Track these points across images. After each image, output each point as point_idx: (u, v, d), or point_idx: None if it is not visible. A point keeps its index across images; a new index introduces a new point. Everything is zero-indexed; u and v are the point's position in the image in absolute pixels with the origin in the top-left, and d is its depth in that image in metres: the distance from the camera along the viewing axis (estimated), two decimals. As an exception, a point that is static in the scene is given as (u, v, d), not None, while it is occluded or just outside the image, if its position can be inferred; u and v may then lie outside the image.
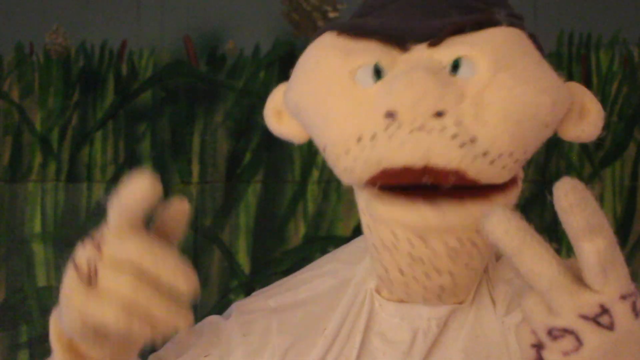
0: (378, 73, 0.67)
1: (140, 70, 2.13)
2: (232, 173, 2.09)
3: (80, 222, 2.11)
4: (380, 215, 0.68)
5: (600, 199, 2.12)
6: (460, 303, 0.76)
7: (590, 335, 0.55)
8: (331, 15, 2.06)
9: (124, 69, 2.13)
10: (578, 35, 2.13)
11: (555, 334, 0.56)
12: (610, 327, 0.55)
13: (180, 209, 0.67)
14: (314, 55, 0.71)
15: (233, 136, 2.11)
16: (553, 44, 2.13)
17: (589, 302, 0.55)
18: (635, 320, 0.56)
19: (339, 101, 0.67)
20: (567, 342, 0.55)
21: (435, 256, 0.68)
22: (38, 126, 2.12)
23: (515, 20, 0.73)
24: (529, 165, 2.16)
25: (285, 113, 0.76)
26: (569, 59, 2.14)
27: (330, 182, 2.01)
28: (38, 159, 2.12)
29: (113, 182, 2.11)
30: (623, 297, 0.56)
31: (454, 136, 0.62)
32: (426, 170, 0.63)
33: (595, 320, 0.55)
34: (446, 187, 0.64)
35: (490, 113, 0.64)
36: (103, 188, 2.11)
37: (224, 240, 2.08)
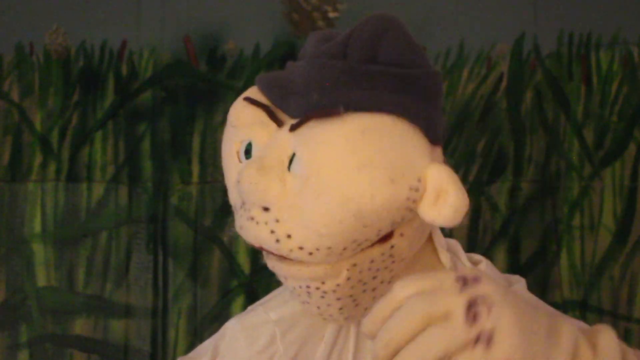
0: (249, 152, 0.78)
1: (140, 70, 2.13)
2: (232, 173, 2.09)
3: (80, 222, 2.11)
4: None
5: (600, 199, 2.12)
6: None
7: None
8: (331, 15, 2.06)
9: (124, 69, 2.13)
10: (578, 35, 2.13)
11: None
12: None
13: None
14: (232, 108, 0.82)
15: (233, 136, 2.11)
16: (553, 44, 2.13)
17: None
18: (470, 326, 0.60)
19: (228, 172, 0.81)
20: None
21: (297, 292, 0.79)
22: (38, 126, 2.12)
23: (381, 93, 0.74)
24: (528, 165, 2.17)
25: None
26: (569, 59, 2.14)
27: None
28: (38, 159, 2.12)
29: (113, 182, 2.11)
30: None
31: (272, 232, 0.73)
32: (262, 248, 0.76)
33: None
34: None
35: (303, 213, 0.72)
36: (103, 188, 2.11)
37: (224, 240, 2.08)
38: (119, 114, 2.12)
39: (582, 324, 0.82)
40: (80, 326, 2.07)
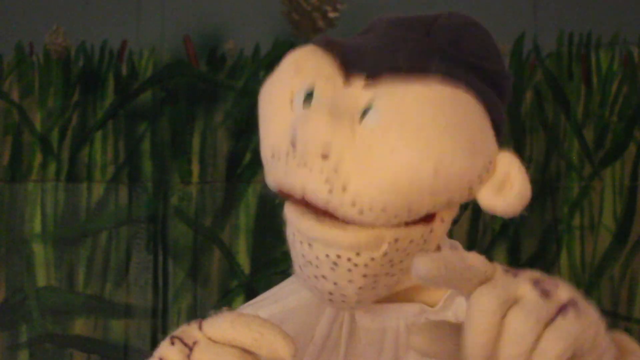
0: (309, 97, 0.73)
1: (140, 70, 2.13)
2: (232, 173, 2.09)
3: (80, 222, 2.11)
4: (285, 214, 0.76)
5: (600, 199, 2.12)
6: (432, 306, 0.79)
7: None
8: (331, 15, 2.06)
9: (124, 69, 2.13)
10: (578, 35, 2.13)
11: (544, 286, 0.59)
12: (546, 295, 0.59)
13: None
14: (280, 65, 0.78)
15: (233, 136, 2.11)
16: (553, 44, 2.13)
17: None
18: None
19: (273, 117, 0.76)
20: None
21: (319, 263, 0.73)
22: (38, 126, 2.12)
23: (462, 75, 0.72)
24: (529, 165, 2.17)
25: None
26: (569, 59, 2.14)
27: (330, 182, 2.02)
28: (38, 159, 2.12)
29: (113, 182, 2.11)
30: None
31: (327, 180, 0.69)
32: (305, 199, 0.71)
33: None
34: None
35: (369, 167, 0.69)
36: (103, 188, 2.11)
37: (224, 240, 2.08)
38: (119, 114, 2.12)
39: None
40: (80, 326, 2.07)
